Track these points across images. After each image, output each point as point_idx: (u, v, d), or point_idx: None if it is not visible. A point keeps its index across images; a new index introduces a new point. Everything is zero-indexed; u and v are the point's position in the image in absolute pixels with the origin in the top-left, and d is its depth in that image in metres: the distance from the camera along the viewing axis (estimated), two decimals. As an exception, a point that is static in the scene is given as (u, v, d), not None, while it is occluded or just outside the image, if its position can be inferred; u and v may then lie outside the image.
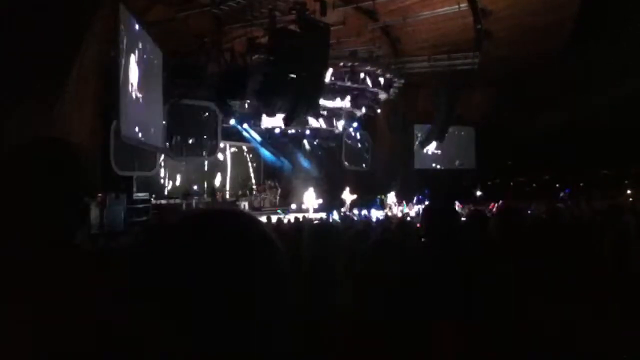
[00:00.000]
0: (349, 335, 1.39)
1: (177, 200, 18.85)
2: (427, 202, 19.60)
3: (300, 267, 2.29)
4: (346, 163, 24.90)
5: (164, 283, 0.65)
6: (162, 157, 18.35)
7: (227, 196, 21.55)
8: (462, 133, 26.79)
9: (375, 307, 1.38)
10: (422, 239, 3.10)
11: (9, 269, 1.09)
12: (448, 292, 1.72)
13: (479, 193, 24.65)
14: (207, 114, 19.62)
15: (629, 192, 18.14)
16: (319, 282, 2.04)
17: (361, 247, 1.64)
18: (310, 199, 21.44)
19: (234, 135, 21.64)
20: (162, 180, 19.81)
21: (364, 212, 18.75)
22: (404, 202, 21.28)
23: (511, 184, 26.35)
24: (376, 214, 18.02)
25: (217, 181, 21.72)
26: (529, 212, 13.97)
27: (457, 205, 16.85)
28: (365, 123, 24.44)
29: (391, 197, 21.72)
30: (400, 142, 25.50)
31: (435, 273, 1.79)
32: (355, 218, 15.82)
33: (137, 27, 13.57)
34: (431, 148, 26.25)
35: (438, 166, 26.87)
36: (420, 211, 17.70)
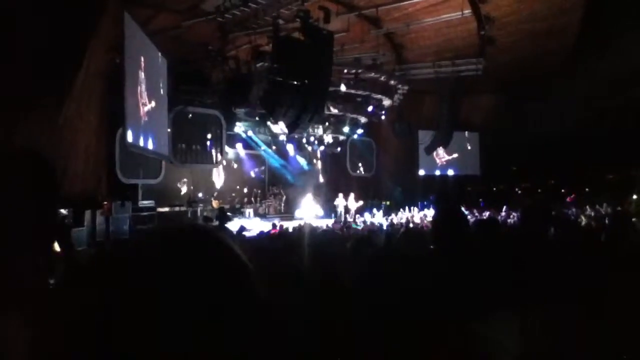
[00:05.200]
0: (349, 340, 1.39)
1: (182, 208, 18.85)
2: (434, 209, 19.62)
3: (302, 273, 2.30)
4: (350, 169, 24.96)
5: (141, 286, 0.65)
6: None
7: (235, 203, 21.49)
8: (467, 139, 26.80)
9: (375, 313, 1.38)
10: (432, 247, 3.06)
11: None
12: (453, 299, 1.72)
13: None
14: (211, 121, 19.74)
15: (634, 197, 18.03)
16: (321, 288, 2.04)
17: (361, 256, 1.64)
18: (310, 206, 21.41)
19: (239, 142, 21.68)
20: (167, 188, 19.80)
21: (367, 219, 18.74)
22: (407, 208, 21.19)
23: (516, 189, 26.27)
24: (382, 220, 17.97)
25: (222, 188, 21.65)
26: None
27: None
28: (370, 129, 24.49)
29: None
30: (405, 148, 25.51)
31: (439, 281, 1.79)
32: (360, 225, 15.81)
33: (142, 35, 13.65)
34: (441, 154, 26.24)
35: (452, 172, 26.82)
36: (424, 217, 17.73)
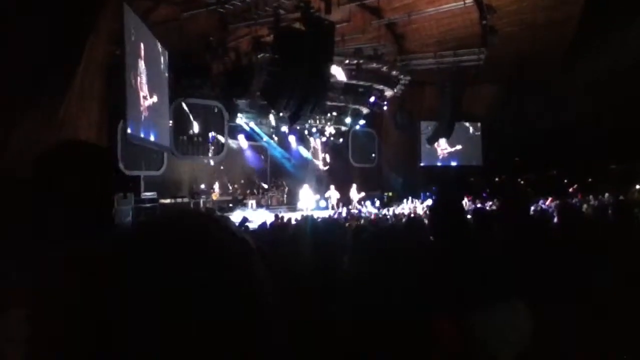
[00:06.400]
0: (348, 335, 1.39)
1: (185, 199, 18.90)
2: (433, 199, 19.59)
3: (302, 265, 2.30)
4: (353, 160, 24.95)
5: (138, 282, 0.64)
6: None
7: (237, 195, 21.49)
8: (469, 130, 26.70)
9: (374, 307, 1.38)
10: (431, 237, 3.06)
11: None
12: (451, 291, 1.72)
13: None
14: (213, 112, 19.74)
15: (637, 187, 17.98)
16: (322, 281, 2.04)
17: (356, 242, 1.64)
18: (310, 197, 21.42)
19: (241, 134, 21.67)
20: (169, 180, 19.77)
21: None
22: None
23: (519, 179, 26.19)
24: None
25: (225, 179, 21.60)
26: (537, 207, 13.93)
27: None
28: (372, 120, 24.44)
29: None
30: (407, 139, 25.46)
31: (439, 271, 1.79)
32: (363, 215, 15.84)
33: (142, 27, 13.61)
34: (443, 145, 26.15)
35: (454, 163, 26.77)
36: (427, 208, 17.71)
